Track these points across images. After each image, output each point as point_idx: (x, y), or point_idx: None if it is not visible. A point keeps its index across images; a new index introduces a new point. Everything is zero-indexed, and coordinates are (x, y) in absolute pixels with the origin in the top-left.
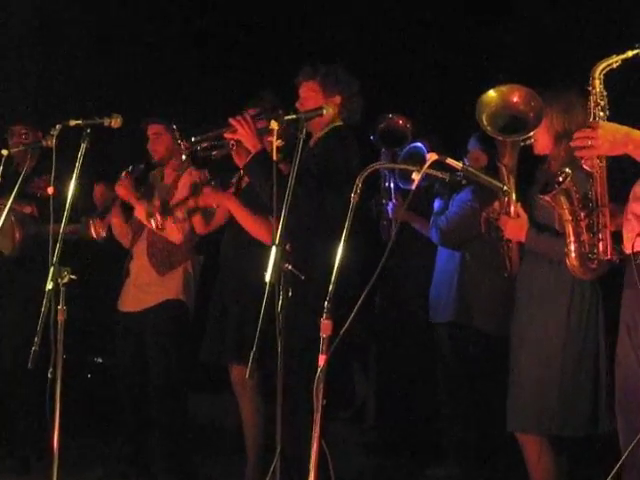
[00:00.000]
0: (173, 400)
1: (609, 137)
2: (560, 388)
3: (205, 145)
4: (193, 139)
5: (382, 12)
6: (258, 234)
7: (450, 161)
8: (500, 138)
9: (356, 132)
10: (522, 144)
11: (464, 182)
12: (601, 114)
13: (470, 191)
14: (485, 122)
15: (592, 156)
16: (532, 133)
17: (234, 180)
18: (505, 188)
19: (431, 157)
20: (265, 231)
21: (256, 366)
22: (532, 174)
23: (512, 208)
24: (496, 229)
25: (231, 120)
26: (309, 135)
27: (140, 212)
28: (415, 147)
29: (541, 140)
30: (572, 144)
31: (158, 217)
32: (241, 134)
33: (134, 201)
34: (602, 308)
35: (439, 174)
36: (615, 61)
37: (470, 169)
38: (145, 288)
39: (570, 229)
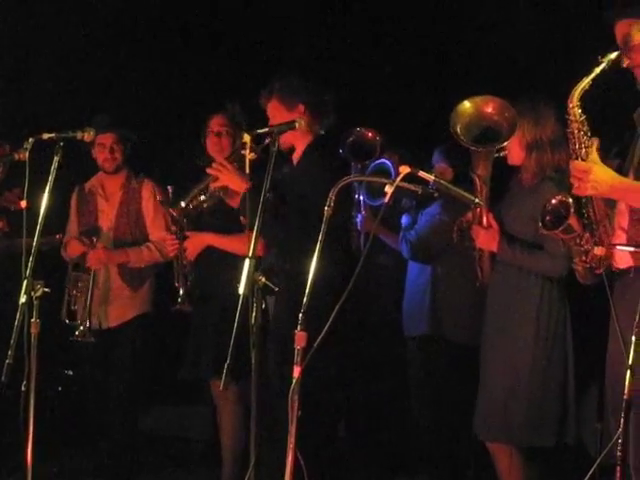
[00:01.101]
0: (133, 414)
1: (597, 185)
2: (528, 398)
3: (194, 203)
4: (183, 204)
5: (350, 24)
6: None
7: (422, 174)
8: (474, 148)
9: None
10: (496, 155)
11: (436, 195)
12: (585, 138)
13: (439, 204)
14: (459, 132)
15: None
16: (505, 144)
17: None
18: (477, 201)
19: (403, 170)
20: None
21: (231, 378)
22: (505, 184)
23: (484, 219)
24: (468, 239)
25: (209, 171)
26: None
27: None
28: (381, 163)
29: (513, 151)
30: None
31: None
32: (224, 180)
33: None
34: (570, 318)
35: (412, 187)
36: (587, 83)
37: (442, 182)
38: (119, 305)
39: (575, 252)
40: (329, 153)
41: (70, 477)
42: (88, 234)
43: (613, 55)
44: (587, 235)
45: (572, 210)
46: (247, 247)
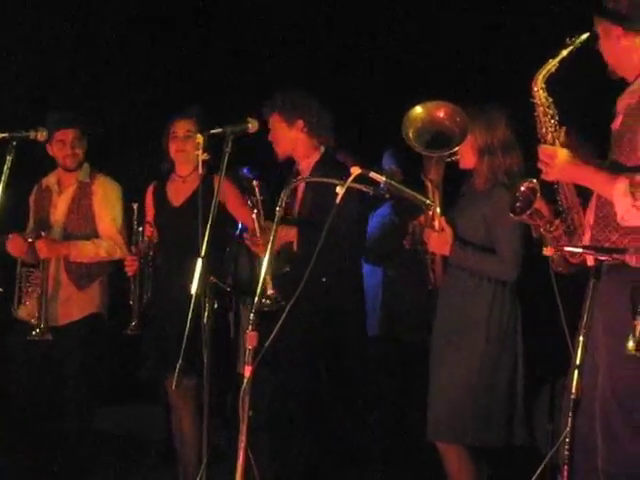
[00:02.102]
0: (87, 414)
1: (562, 170)
2: (477, 399)
3: None
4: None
5: (306, 30)
6: None
7: (374, 175)
8: (426, 153)
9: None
10: (447, 159)
11: (387, 196)
12: (552, 121)
13: (389, 206)
14: (411, 137)
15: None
16: (457, 148)
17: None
18: (428, 202)
19: (355, 171)
20: None
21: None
22: (457, 188)
23: (437, 222)
24: (420, 242)
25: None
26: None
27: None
28: None
29: (465, 155)
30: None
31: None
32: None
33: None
34: (520, 321)
35: (363, 188)
36: (553, 65)
37: (393, 183)
38: (66, 303)
39: (548, 239)
40: (343, 168)
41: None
42: (38, 229)
43: (583, 36)
44: (557, 221)
45: (538, 194)
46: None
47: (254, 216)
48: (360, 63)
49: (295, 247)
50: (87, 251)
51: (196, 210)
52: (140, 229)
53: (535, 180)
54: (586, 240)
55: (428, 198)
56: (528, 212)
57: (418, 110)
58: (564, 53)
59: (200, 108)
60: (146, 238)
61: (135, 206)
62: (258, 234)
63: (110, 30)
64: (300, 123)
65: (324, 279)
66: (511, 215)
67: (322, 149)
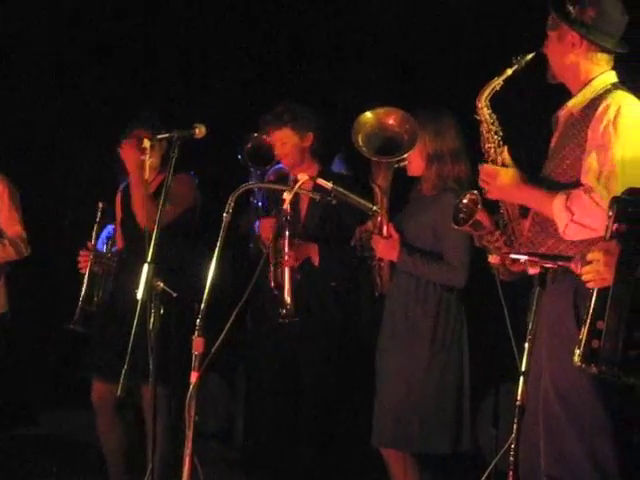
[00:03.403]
0: None
1: (501, 189)
2: (423, 406)
3: None
4: None
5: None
6: None
7: (320, 181)
8: (375, 159)
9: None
10: (396, 166)
11: (334, 202)
12: (495, 137)
13: None
14: (361, 143)
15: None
16: (406, 155)
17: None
18: (374, 208)
19: (302, 177)
20: None
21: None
22: (405, 195)
23: (384, 228)
24: (368, 249)
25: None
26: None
27: None
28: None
29: (414, 162)
30: (480, 178)
31: None
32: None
33: None
34: (466, 327)
35: (310, 194)
36: (497, 83)
37: (340, 189)
38: None
39: (490, 249)
40: (345, 179)
41: None
42: None
43: (528, 57)
44: (498, 233)
45: (479, 205)
46: None
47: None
48: (307, 66)
49: (316, 263)
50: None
51: None
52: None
53: (476, 192)
54: (522, 243)
55: (375, 204)
56: (470, 223)
57: (368, 116)
58: (509, 72)
59: (151, 113)
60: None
61: (101, 205)
62: (287, 249)
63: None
64: (310, 136)
65: (333, 283)
66: (454, 226)
67: (318, 161)
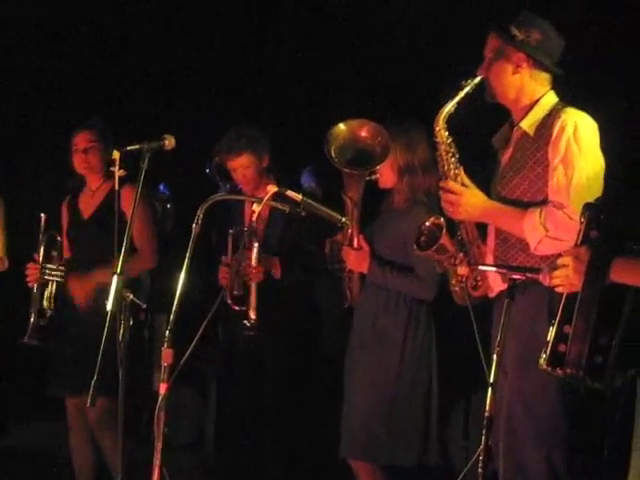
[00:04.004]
0: None
1: (469, 210)
2: (391, 417)
3: None
4: None
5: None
6: None
7: (290, 193)
8: (347, 171)
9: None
10: (367, 178)
11: (303, 214)
12: (453, 160)
13: None
14: (333, 154)
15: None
16: (378, 167)
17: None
18: (344, 220)
19: (271, 189)
20: None
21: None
22: (376, 207)
23: (355, 240)
24: (338, 260)
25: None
26: None
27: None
28: None
29: (385, 174)
30: (442, 198)
31: None
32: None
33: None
34: (435, 341)
35: (279, 206)
36: (452, 106)
37: (309, 201)
38: None
39: (452, 273)
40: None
41: None
42: None
43: (477, 79)
44: (461, 255)
45: (444, 231)
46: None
47: (255, 249)
48: (280, 79)
49: (276, 276)
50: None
51: (101, 221)
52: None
53: (441, 217)
54: (490, 263)
55: (346, 216)
56: (434, 248)
57: (341, 127)
58: (461, 94)
59: (101, 118)
60: (55, 252)
61: (43, 217)
62: (254, 263)
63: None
64: (266, 158)
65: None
66: (415, 250)
67: (274, 177)
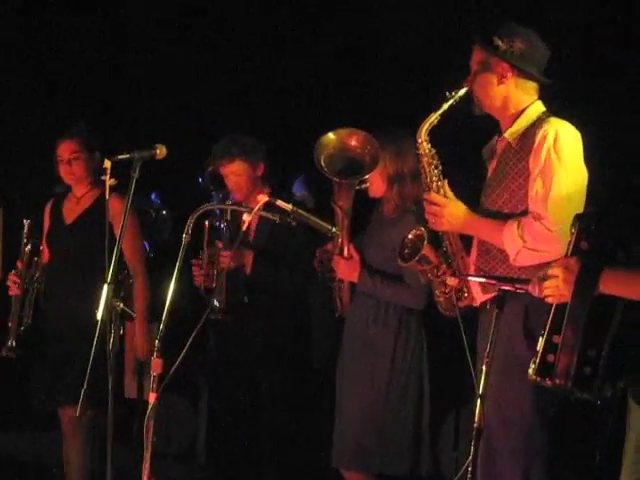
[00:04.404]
0: None
1: (451, 221)
2: (382, 427)
3: None
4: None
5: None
6: None
7: (280, 203)
8: (337, 180)
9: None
10: (357, 187)
11: (294, 224)
12: (436, 172)
13: None
14: (323, 163)
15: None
16: (368, 176)
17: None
18: (334, 230)
19: (261, 199)
20: None
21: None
22: (366, 216)
23: (345, 249)
24: (328, 270)
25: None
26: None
27: None
28: None
29: (375, 183)
30: (425, 211)
31: None
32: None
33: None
34: (426, 350)
35: (269, 215)
36: (435, 117)
37: (300, 211)
38: None
39: (436, 284)
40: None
41: None
42: None
43: (461, 92)
44: (444, 266)
45: (426, 241)
46: None
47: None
48: (272, 89)
49: (247, 271)
50: None
51: (83, 229)
52: (27, 247)
53: (423, 228)
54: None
55: (336, 225)
56: (416, 258)
57: (330, 137)
58: (445, 107)
59: (85, 124)
60: (36, 258)
61: (27, 223)
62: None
63: None
64: (262, 165)
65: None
66: (400, 262)
67: (269, 186)
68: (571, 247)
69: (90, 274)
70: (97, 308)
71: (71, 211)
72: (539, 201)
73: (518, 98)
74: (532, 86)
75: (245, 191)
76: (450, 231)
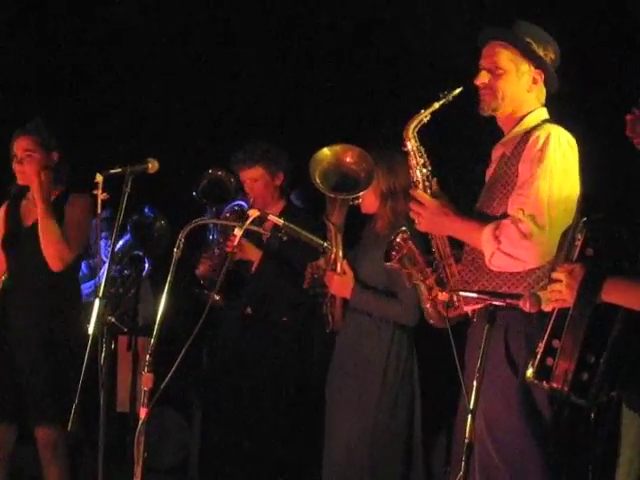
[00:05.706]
0: None
1: (434, 219)
2: (373, 442)
3: None
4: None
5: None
6: None
7: (272, 217)
8: (332, 196)
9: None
10: (350, 203)
11: (285, 238)
12: (424, 170)
13: None
14: (317, 179)
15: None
16: (362, 193)
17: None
18: (325, 245)
19: (253, 213)
20: None
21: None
22: (359, 232)
23: (338, 265)
24: (320, 285)
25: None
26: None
27: None
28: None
29: (367, 199)
30: (410, 207)
31: None
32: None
33: None
34: (417, 367)
35: (261, 230)
36: (425, 116)
37: (291, 225)
38: None
39: (422, 288)
40: (310, 218)
41: None
42: None
43: (456, 91)
44: (429, 270)
45: (409, 241)
46: None
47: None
48: (270, 102)
49: (253, 269)
50: None
51: None
52: None
53: (405, 228)
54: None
55: (328, 241)
56: (398, 257)
57: (325, 152)
58: (436, 105)
59: (42, 121)
60: None
61: None
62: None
63: None
64: (281, 175)
65: (285, 318)
66: (385, 263)
67: (285, 198)
68: (577, 253)
69: (53, 279)
70: (63, 315)
71: (30, 212)
72: (518, 204)
73: (530, 103)
74: (544, 96)
75: (262, 199)
76: (434, 231)
